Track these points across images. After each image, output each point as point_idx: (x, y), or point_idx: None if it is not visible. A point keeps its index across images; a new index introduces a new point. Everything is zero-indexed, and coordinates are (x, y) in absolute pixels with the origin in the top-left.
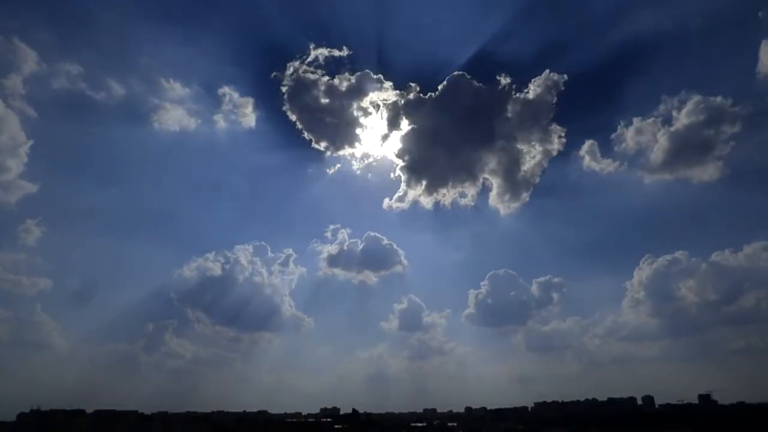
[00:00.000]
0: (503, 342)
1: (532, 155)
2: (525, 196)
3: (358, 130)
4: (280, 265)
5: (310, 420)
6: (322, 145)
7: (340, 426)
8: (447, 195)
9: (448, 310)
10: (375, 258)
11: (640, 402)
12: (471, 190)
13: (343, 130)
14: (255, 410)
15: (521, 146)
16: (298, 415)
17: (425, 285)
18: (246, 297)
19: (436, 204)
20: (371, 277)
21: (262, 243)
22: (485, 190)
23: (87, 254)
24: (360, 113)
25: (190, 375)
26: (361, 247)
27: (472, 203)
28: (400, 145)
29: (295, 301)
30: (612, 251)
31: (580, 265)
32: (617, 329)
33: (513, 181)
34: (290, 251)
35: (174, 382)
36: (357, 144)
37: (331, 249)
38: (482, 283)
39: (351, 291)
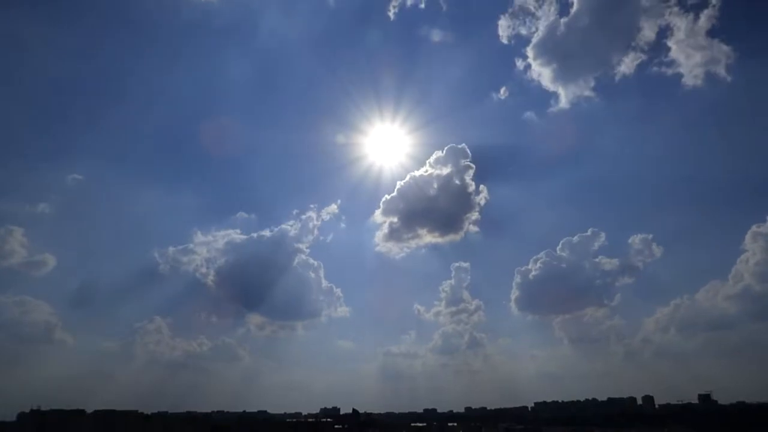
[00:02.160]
0: (547, 332)
1: None
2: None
3: None
4: (321, 231)
5: (310, 420)
6: None
7: (340, 426)
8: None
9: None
10: (444, 209)
11: (640, 402)
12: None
13: None
14: (255, 410)
15: None
16: (298, 415)
17: (501, 248)
18: (272, 281)
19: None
20: (437, 240)
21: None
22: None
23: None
24: None
25: (193, 372)
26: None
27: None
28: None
29: (334, 281)
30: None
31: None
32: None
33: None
34: (337, 203)
35: (174, 380)
36: None
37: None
38: (555, 249)
39: (408, 264)
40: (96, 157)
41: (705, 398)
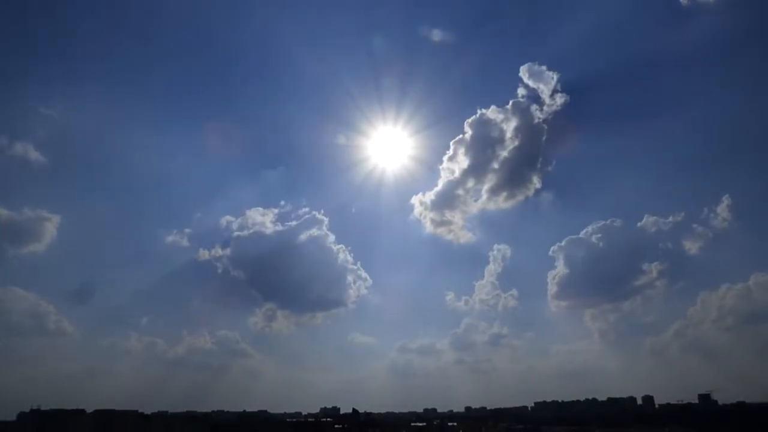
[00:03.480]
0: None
1: None
2: None
3: None
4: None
5: (310, 420)
6: None
7: (340, 426)
8: None
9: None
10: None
11: (640, 402)
12: None
13: None
14: (255, 410)
15: None
16: (298, 414)
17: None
18: (290, 269)
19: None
20: (500, 206)
21: None
22: None
23: None
24: None
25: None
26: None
27: None
28: None
29: (364, 266)
30: None
31: None
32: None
33: None
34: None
35: (174, 379)
36: None
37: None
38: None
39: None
40: (80, 85)
41: (705, 398)
